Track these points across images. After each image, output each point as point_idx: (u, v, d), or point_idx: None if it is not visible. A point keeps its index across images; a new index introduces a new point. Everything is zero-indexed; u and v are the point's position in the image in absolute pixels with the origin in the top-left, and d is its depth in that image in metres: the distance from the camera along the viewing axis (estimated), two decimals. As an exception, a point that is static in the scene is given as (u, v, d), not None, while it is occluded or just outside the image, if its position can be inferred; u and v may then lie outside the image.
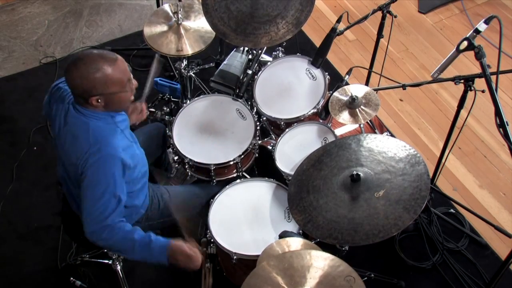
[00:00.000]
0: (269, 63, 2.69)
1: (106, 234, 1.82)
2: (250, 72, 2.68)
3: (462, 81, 2.07)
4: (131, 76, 1.88)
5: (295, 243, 1.86)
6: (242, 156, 2.40)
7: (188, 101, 2.60)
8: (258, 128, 2.47)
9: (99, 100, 1.80)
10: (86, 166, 1.80)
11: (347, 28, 2.46)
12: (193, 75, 3.16)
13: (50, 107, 2.01)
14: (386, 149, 1.90)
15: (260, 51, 2.81)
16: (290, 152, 2.38)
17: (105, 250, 2.39)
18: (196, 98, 2.61)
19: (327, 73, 2.57)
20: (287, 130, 2.44)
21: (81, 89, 1.78)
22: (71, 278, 2.54)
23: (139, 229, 1.90)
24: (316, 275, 1.49)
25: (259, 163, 2.59)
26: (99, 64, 1.75)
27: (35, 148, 3.11)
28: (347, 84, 2.30)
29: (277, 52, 2.99)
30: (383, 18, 2.45)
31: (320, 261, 1.52)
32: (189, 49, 2.66)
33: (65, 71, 1.78)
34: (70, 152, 1.86)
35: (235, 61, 2.92)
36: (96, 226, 1.82)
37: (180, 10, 2.71)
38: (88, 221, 1.83)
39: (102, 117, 1.87)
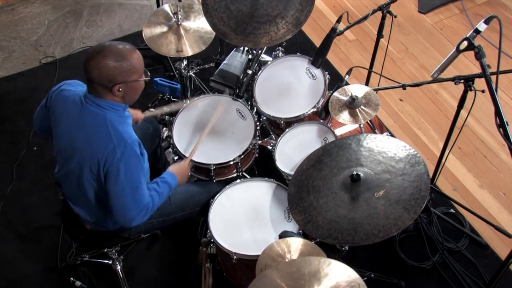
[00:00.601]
0: (269, 63, 2.69)
1: (145, 212, 1.96)
2: (250, 72, 2.68)
3: (462, 81, 2.07)
4: None
5: (295, 243, 1.86)
6: (242, 156, 2.40)
7: (188, 101, 2.60)
8: (258, 128, 2.47)
9: (121, 89, 1.86)
10: (115, 159, 1.84)
11: (347, 28, 2.46)
12: (193, 75, 3.16)
13: (49, 112, 2.02)
14: (386, 149, 1.89)
15: (260, 51, 2.81)
16: (290, 152, 2.38)
17: (105, 250, 2.39)
18: (196, 98, 2.61)
19: (327, 73, 2.57)
20: (287, 130, 2.44)
21: (108, 77, 1.82)
22: (71, 278, 2.54)
23: (154, 186, 2.04)
24: (323, 284, 1.45)
25: (259, 163, 2.59)
26: (123, 53, 1.83)
27: (35, 148, 3.11)
28: (347, 84, 2.30)
29: (277, 52, 3.00)
30: (383, 18, 2.45)
31: (330, 270, 1.46)
32: (189, 50, 2.66)
33: (89, 60, 1.82)
34: (86, 147, 1.88)
35: (235, 61, 2.92)
36: (136, 212, 1.94)
37: (180, 11, 2.71)
38: (128, 210, 1.93)
39: (117, 108, 1.91)
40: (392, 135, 2.58)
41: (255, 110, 2.59)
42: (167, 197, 2.10)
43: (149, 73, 1.97)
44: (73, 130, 1.92)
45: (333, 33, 2.40)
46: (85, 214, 2.11)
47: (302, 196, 1.90)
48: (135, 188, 1.90)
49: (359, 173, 1.80)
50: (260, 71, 2.66)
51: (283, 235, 2.02)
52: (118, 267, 2.43)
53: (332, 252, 1.93)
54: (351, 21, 2.44)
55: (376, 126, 2.59)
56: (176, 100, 3.03)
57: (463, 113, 2.23)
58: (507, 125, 1.75)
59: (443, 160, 2.46)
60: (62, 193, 2.16)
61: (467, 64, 3.35)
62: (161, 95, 3.05)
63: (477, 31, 1.88)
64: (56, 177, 2.12)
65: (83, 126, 1.89)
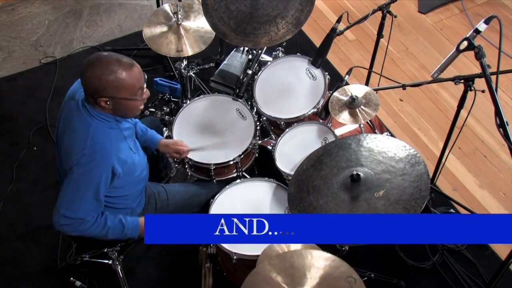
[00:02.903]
0: (269, 63, 2.69)
1: (73, 225, 1.88)
2: (250, 72, 2.68)
3: (462, 81, 2.07)
4: (145, 85, 1.90)
5: (295, 243, 1.86)
6: (242, 156, 2.40)
7: (188, 101, 2.60)
8: (258, 128, 2.47)
9: (108, 103, 1.83)
10: (77, 164, 1.82)
11: (347, 28, 2.46)
12: (193, 75, 3.16)
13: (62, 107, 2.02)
14: (386, 149, 1.90)
15: (260, 51, 2.81)
16: (290, 152, 2.38)
17: (105, 250, 2.39)
18: (196, 98, 2.61)
19: (327, 73, 2.57)
20: (287, 130, 2.44)
21: (93, 88, 1.80)
22: (71, 278, 2.54)
23: (109, 216, 1.96)
24: (316, 275, 1.49)
25: (259, 163, 2.59)
26: (114, 67, 1.78)
27: (35, 148, 3.11)
28: (347, 84, 2.30)
29: (277, 52, 2.99)
30: (383, 18, 2.46)
31: (321, 261, 1.52)
32: (189, 50, 2.66)
33: (82, 68, 1.80)
34: (67, 147, 1.88)
35: (235, 61, 2.92)
36: (68, 220, 1.86)
37: (180, 10, 2.71)
38: (60, 213, 1.85)
39: (107, 120, 1.88)
40: (392, 135, 2.58)
41: (255, 110, 2.59)
42: (113, 235, 1.98)
43: (148, 92, 1.90)
44: (63, 129, 1.92)
45: (333, 33, 2.41)
46: None
47: (302, 196, 1.90)
48: (75, 198, 1.84)
49: (359, 173, 1.80)
50: (260, 71, 2.66)
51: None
52: (118, 267, 2.43)
53: (332, 252, 1.93)
54: (351, 21, 2.44)
55: (376, 126, 2.59)
56: (176, 100, 3.03)
57: (463, 113, 2.23)
58: (507, 125, 1.75)
59: (443, 160, 2.46)
60: None
61: (467, 64, 3.35)
62: (161, 95, 3.04)
63: (477, 31, 1.88)
64: (56, 174, 2.13)
65: (69, 127, 1.89)
